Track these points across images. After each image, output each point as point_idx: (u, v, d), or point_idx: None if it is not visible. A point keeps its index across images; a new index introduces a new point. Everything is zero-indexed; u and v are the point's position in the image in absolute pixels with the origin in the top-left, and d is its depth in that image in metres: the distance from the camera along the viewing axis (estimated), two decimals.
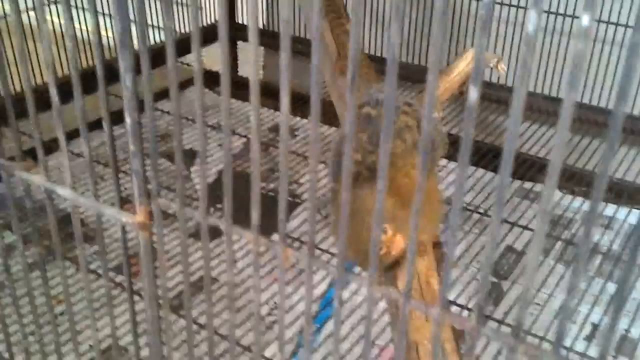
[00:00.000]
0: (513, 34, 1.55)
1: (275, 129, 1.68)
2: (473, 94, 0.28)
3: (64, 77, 1.40)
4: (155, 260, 0.44)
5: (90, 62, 1.58)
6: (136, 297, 0.58)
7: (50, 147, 1.11)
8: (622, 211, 1.36)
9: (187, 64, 1.88)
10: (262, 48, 1.93)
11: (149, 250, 0.43)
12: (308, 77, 0.28)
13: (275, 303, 1.14)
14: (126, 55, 0.36)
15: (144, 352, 0.78)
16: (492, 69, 1.16)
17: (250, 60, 0.33)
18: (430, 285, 0.84)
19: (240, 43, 1.96)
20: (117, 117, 0.49)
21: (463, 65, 1.06)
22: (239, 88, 1.30)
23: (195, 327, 1.04)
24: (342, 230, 0.34)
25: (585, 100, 1.53)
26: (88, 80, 0.46)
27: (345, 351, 0.99)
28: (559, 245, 1.29)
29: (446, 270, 0.33)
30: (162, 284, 0.45)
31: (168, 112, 1.67)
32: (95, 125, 0.66)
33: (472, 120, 0.29)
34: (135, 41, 0.35)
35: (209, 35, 0.86)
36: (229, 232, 0.39)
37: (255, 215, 0.38)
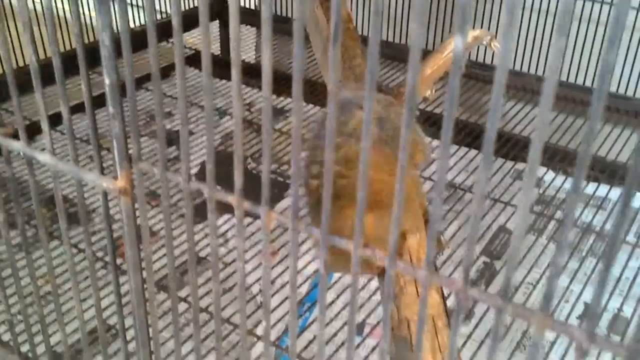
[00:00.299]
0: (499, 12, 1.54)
1: (273, 111, 1.66)
2: (454, 78, 0.27)
3: (46, 58, 1.38)
4: (138, 229, 0.43)
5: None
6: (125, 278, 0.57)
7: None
8: (615, 191, 1.35)
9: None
10: (254, 29, 1.91)
11: (131, 217, 0.42)
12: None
13: None
14: (104, 12, 0.34)
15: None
16: (485, 46, 1.15)
17: (232, 42, 0.32)
18: (422, 261, 0.83)
19: None
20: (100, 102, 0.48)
21: None
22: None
23: (185, 305, 1.04)
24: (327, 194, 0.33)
25: (579, 81, 1.52)
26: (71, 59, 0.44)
27: (336, 329, 0.98)
28: (552, 225, 1.29)
29: (431, 231, 0.32)
30: (145, 253, 0.44)
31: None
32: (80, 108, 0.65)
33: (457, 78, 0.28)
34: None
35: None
36: (211, 196, 0.38)
37: (238, 179, 0.37)
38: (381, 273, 0.83)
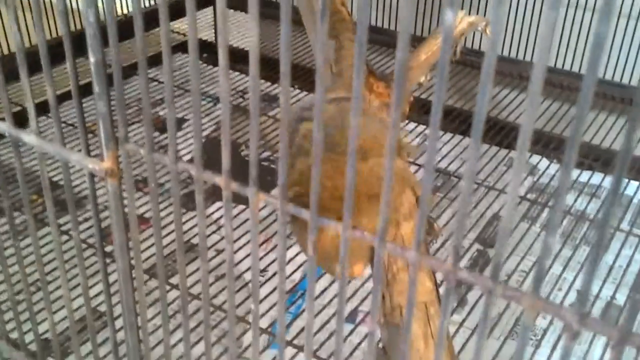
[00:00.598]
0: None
1: (264, 97, 1.65)
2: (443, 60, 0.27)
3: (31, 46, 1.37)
4: (125, 212, 0.43)
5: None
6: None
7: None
8: (609, 179, 1.35)
9: (173, 30, 1.85)
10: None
11: (118, 200, 0.42)
12: (297, 44, 0.27)
13: (259, 269, 1.12)
14: None
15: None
16: (481, 33, 1.14)
17: (219, 26, 0.32)
18: None
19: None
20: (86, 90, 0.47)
21: None
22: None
23: (177, 292, 1.03)
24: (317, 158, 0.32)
25: (575, 69, 1.52)
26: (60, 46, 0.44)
27: (329, 317, 0.98)
28: (545, 213, 1.28)
29: (420, 211, 0.31)
30: (133, 237, 0.43)
31: (151, 79, 1.64)
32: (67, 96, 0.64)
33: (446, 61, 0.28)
34: None
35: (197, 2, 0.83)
36: (199, 177, 0.38)
37: (225, 159, 0.37)
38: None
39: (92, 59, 0.36)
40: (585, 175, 1.36)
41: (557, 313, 0.30)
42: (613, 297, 1.10)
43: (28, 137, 0.42)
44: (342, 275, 0.35)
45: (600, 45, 0.25)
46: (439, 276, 0.87)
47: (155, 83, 1.62)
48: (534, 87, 0.27)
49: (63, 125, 1.39)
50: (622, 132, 1.43)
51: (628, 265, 1.13)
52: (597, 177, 1.36)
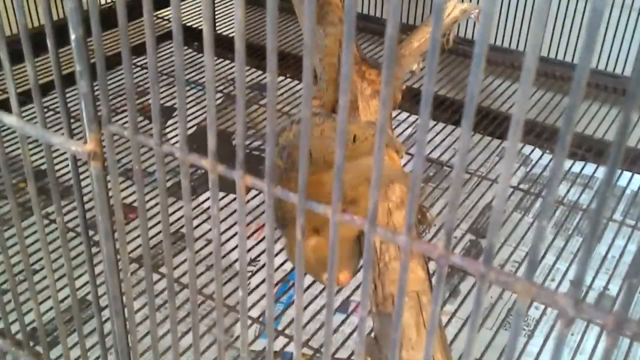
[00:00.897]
0: None
1: (255, 86, 1.64)
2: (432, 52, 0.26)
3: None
4: (109, 195, 0.42)
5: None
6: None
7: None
8: (602, 170, 1.34)
9: (163, 18, 1.83)
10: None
11: (102, 183, 0.41)
12: (288, 33, 0.26)
13: (250, 258, 1.12)
14: None
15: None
16: (474, 22, 1.13)
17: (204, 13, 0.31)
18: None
19: None
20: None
21: (444, 14, 1.03)
22: (217, 45, 1.26)
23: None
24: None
25: (568, 59, 1.51)
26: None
27: (320, 306, 0.97)
28: (538, 203, 1.28)
29: (410, 195, 0.30)
30: (118, 220, 0.42)
31: (140, 67, 1.62)
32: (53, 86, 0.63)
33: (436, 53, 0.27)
34: None
35: None
36: (184, 160, 0.37)
37: (211, 141, 0.35)
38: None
39: (72, 35, 0.35)
40: (578, 166, 1.35)
41: (552, 299, 0.29)
42: (606, 287, 1.09)
43: (9, 118, 0.41)
44: (331, 258, 0.34)
45: (596, 24, 0.24)
46: (431, 266, 0.86)
47: (145, 71, 1.60)
48: (526, 76, 0.26)
49: (51, 113, 1.37)
50: (615, 122, 1.42)
51: (621, 256, 1.13)
52: (590, 168, 1.36)
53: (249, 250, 1.10)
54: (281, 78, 1.64)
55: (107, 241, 0.44)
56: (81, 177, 0.44)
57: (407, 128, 1.47)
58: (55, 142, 0.40)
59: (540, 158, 1.41)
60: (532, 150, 1.42)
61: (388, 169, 0.86)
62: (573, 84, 0.26)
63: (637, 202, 1.28)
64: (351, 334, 0.94)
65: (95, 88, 0.37)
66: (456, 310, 0.99)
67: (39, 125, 0.41)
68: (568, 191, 1.29)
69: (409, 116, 1.51)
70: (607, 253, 1.14)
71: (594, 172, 1.34)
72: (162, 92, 1.56)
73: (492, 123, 1.45)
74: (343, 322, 0.99)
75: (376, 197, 0.31)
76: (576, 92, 0.26)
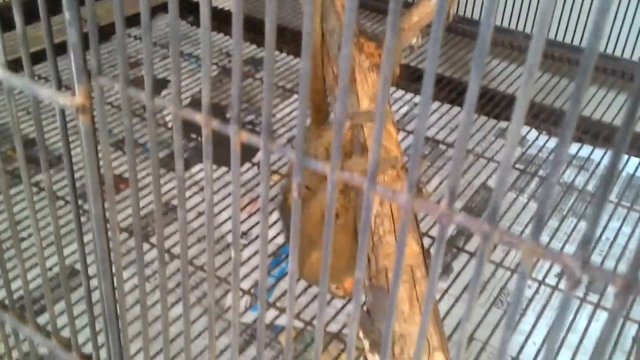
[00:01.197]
0: None
1: (251, 61, 1.62)
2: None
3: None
4: (98, 152, 0.40)
5: None
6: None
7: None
8: (598, 153, 1.34)
9: None
10: None
11: (90, 139, 0.39)
12: (287, 8, 0.24)
13: (243, 232, 1.10)
14: None
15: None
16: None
17: None
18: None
19: None
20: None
21: None
22: (214, 19, 1.23)
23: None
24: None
25: (568, 40, 1.50)
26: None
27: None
28: (533, 183, 1.27)
29: (414, 152, 0.29)
30: (107, 179, 0.41)
31: (135, 37, 1.60)
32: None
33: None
34: None
35: None
36: (177, 113, 0.35)
37: (205, 95, 0.34)
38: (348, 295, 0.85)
39: None
40: (574, 148, 1.34)
41: (558, 259, 0.28)
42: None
43: None
44: (327, 224, 0.33)
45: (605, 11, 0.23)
46: (423, 245, 0.85)
47: (139, 42, 1.58)
48: (532, 59, 0.24)
49: (42, 81, 1.35)
50: (613, 105, 1.41)
51: (615, 238, 1.12)
52: (586, 150, 1.35)
53: (242, 222, 1.09)
54: (276, 53, 1.62)
55: (96, 202, 0.42)
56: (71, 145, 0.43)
57: (402, 106, 1.46)
58: (42, 95, 0.38)
59: (536, 139, 1.40)
60: (529, 131, 1.41)
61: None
62: (580, 70, 0.24)
63: (632, 185, 1.27)
64: (342, 307, 0.93)
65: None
66: (449, 287, 0.98)
67: (26, 77, 0.39)
68: (563, 172, 1.28)
69: (404, 94, 1.49)
70: (601, 235, 1.13)
71: (590, 154, 1.33)
72: (155, 65, 1.54)
73: (489, 103, 1.43)
74: None
75: (378, 152, 0.30)
76: (583, 78, 0.25)
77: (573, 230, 1.15)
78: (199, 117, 0.35)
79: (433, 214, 0.30)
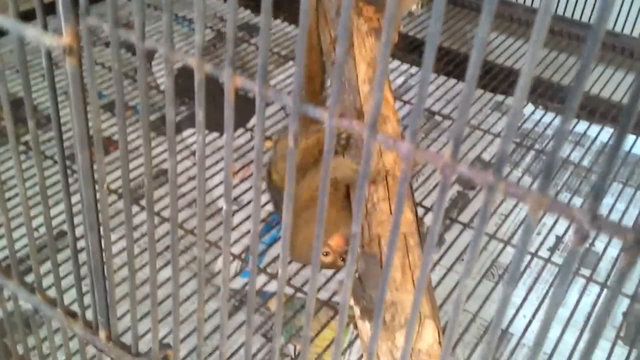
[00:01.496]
0: None
1: (244, 27, 1.59)
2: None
3: None
4: (85, 96, 0.39)
5: None
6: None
7: None
8: (594, 128, 1.33)
9: None
10: None
11: (77, 82, 0.38)
12: None
13: (234, 198, 1.09)
14: None
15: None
16: None
17: None
18: (398, 179, 0.80)
19: None
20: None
21: None
22: None
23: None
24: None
25: (568, 14, 1.48)
26: None
27: None
28: (529, 157, 1.26)
29: (417, 106, 0.28)
30: (95, 125, 0.39)
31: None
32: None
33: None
34: None
35: None
36: (168, 56, 0.33)
37: (198, 36, 0.32)
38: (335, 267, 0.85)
39: None
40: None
41: (566, 212, 0.26)
42: (592, 244, 1.08)
43: None
44: (324, 177, 0.32)
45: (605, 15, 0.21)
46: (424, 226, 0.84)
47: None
48: (537, 35, 0.23)
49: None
50: (611, 81, 1.40)
51: (608, 215, 1.11)
52: (582, 126, 1.34)
53: (233, 187, 1.08)
54: (276, 21, 1.59)
55: (83, 149, 0.41)
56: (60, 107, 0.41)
57: (398, 76, 1.44)
58: (28, 35, 0.37)
59: (532, 113, 1.38)
60: (525, 105, 1.40)
61: None
62: (586, 48, 0.23)
63: (628, 162, 1.26)
64: (333, 275, 0.92)
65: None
66: (440, 258, 0.97)
67: (11, 17, 0.37)
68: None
69: (401, 64, 1.47)
70: None
71: (586, 130, 1.32)
72: (147, 30, 1.51)
73: (486, 75, 1.42)
74: None
75: (380, 98, 0.28)
76: (589, 56, 0.23)
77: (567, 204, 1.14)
78: (192, 61, 0.33)
79: (436, 164, 0.28)
